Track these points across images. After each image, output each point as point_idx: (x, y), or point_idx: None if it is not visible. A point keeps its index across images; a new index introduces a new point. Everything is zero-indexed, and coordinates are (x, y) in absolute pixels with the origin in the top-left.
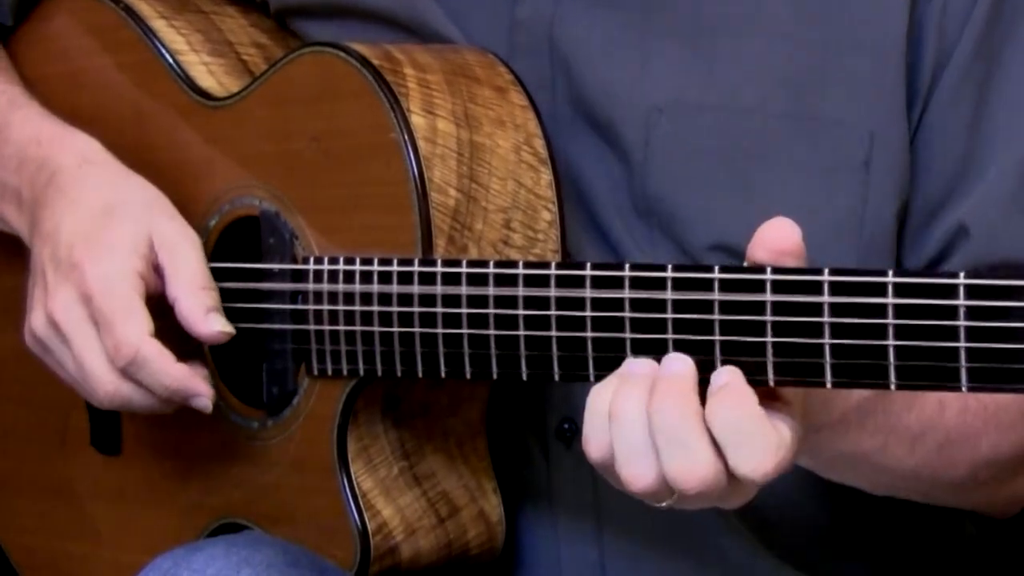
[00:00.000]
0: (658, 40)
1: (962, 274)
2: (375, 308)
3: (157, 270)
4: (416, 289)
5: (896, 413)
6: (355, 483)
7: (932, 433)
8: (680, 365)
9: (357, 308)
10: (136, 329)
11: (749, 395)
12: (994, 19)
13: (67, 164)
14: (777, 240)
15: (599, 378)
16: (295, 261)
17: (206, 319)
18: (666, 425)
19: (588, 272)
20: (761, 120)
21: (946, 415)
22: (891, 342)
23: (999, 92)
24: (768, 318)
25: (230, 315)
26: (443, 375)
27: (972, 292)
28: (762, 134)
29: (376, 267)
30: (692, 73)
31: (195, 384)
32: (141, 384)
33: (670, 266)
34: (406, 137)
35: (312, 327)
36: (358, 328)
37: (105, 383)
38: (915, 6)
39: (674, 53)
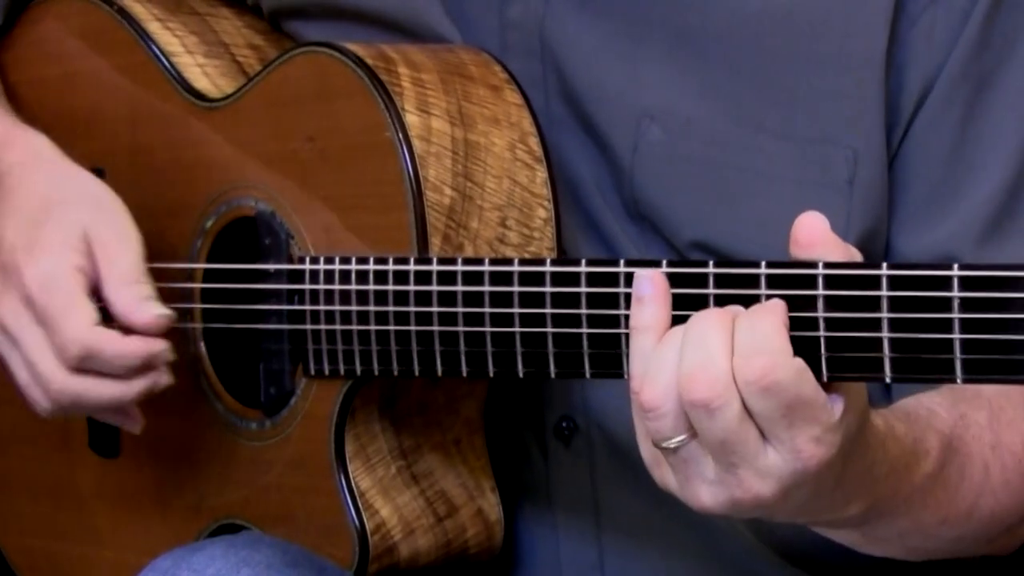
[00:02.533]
0: (647, 48)
1: (956, 266)
2: (371, 307)
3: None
4: (412, 288)
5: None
6: (353, 482)
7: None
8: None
9: (353, 308)
10: (79, 322)
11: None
12: (982, 45)
13: (14, 163)
14: (803, 234)
15: (595, 376)
16: (291, 261)
17: (140, 307)
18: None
19: (583, 269)
20: (750, 135)
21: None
22: (886, 334)
23: (984, 118)
24: None
25: (228, 316)
26: (440, 374)
27: (967, 284)
28: (750, 148)
29: (372, 266)
30: (682, 84)
31: (155, 345)
32: (101, 374)
33: (664, 262)
34: (400, 136)
35: (309, 327)
36: (355, 328)
37: (54, 382)
38: (896, 25)
39: (663, 62)
